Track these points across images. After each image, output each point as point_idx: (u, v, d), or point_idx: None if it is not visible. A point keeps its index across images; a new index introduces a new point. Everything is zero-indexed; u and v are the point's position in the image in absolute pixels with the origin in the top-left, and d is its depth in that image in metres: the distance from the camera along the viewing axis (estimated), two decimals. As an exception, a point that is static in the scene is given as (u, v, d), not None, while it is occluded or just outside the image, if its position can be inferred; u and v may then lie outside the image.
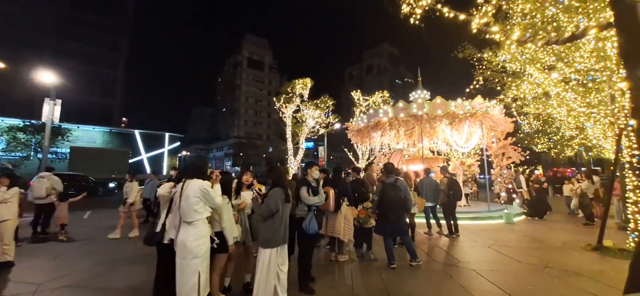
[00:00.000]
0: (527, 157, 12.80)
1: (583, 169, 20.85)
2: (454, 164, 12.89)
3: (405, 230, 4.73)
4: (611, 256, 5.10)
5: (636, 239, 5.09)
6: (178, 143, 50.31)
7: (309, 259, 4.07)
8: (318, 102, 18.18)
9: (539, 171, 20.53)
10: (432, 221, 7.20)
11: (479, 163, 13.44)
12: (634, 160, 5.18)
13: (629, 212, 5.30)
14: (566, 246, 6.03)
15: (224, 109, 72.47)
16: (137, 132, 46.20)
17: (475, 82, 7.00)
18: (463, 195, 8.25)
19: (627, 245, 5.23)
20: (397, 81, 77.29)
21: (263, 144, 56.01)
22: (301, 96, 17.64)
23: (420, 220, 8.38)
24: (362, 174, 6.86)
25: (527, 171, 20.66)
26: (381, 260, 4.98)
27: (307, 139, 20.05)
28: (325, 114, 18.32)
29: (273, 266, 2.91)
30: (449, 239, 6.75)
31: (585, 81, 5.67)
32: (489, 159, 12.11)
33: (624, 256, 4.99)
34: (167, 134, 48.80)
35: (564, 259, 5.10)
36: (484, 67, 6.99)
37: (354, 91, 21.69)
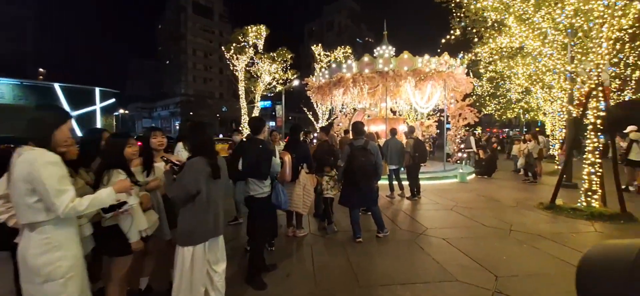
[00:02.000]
0: (480, 118, 13.29)
1: (525, 130, 23.02)
2: (414, 125, 12.82)
3: (375, 199, 4.11)
4: (565, 215, 5.21)
5: (588, 199, 5.23)
6: (113, 100, 43.64)
7: (262, 245, 3.24)
8: (275, 55, 16.36)
9: (478, 132, 22.11)
10: (395, 184, 6.89)
11: (437, 123, 13.61)
12: (598, 122, 5.16)
13: (583, 172, 5.40)
14: (520, 205, 6.14)
15: (168, 62, 64.28)
16: (57, 86, 38.69)
17: (452, 32, 6.39)
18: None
19: (578, 204, 5.39)
20: (358, 39, 75.60)
21: (216, 103, 51.74)
22: (255, 46, 15.62)
23: (381, 182, 8.11)
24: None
25: (479, 132, 22.12)
26: (344, 232, 4.39)
27: (264, 97, 18.42)
28: (282, 69, 16.67)
29: (198, 270, 1.99)
30: (411, 202, 6.49)
31: (564, 37, 5.32)
32: (447, 120, 12.23)
33: (576, 215, 5.11)
34: (97, 90, 41.79)
35: (522, 220, 5.07)
36: (462, 14, 6.34)
37: (315, 46, 20.15)
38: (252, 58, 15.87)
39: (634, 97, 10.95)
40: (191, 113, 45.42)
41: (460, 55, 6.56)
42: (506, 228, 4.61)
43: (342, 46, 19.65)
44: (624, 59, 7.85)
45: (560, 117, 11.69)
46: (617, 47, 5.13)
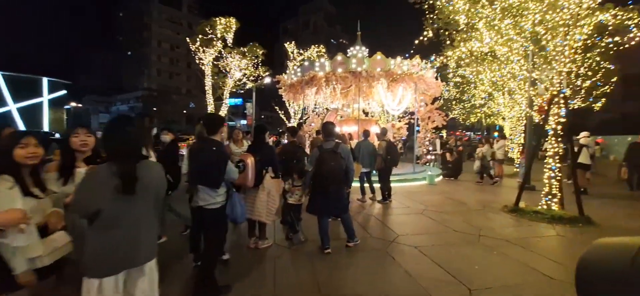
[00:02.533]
0: (447, 122, 13.74)
1: (486, 134, 24.41)
2: (386, 127, 12.88)
3: (345, 206, 3.81)
4: (527, 218, 5.32)
5: (549, 202, 5.39)
6: (64, 92, 39.28)
7: (213, 264, 2.78)
8: (245, 50, 15.60)
9: (443, 135, 23.11)
10: (366, 186, 6.70)
11: (408, 125, 13.82)
12: (559, 128, 5.33)
13: (544, 176, 5.57)
14: (486, 208, 6.24)
15: (130, 54, 59.62)
16: (-1, 75, 34.17)
17: (425, 33, 6.33)
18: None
19: (540, 207, 5.55)
20: (332, 40, 75.90)
21: (182, 99, 48.91)
22: (223, 39, 14.75)
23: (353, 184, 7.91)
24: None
25: (443, 135, 23.05)
26: (312, 242, 4.04)
27: (233, 94, 17.53)
28: (254, 65, 15.93)
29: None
30: (382, 206, 6.33)
31: (530, 46, 5.44)
32: (417, 123, 12.43)
33: (538, 218, 5.24)
34: (45, 79, 37.43)
35: (490, 224, 5.10)
36: (435, 16, 6.31)
37: (288, 43, 19.63)
38: (220, 52, 14.97)
39: (583, 105, 11.93)
40: (155, 109, 42.46)
41: (432, 57, 6.54)
42: (475, 233, 4.57)
43: (317, 45, 19.34)
44: (576, 69, 8.39)
45: (519, 122, 12.43)
46: (576, 57, 5.33)
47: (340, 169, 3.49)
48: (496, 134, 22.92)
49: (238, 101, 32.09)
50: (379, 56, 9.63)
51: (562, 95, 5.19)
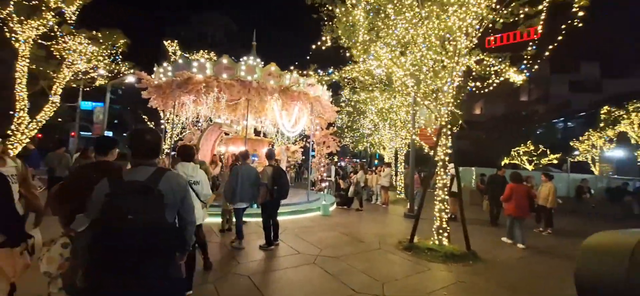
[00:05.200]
0: (338, 149, 13.77)
1: (363, 161, 26.82)
2: (280, 149, 11.59)
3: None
4: (424, 258, 4.79)
5: (440, 236, 5.03)
6: None
7: None
8: (99, 35, 11.44)
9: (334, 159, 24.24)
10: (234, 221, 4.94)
11: (303, 149, 13.01)
12: (447, 158, 5.15)
13: (435, 210, 5.28)
14: (383, 244, 5.54)
15: None
16: None
17: (323, 40, 5.42)
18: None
19: (432, 243, 5.17)
20: (232, 58, 72.09)
21: None
22: (60, 14, 10.31)
23: (214, 220, 6.05)
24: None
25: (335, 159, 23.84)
26: None
27: (70, 92, 12.48)
28: (110, 57, 11.80)
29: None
30: (265, 254, 4.68)
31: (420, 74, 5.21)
32: (312, 147, 11.75)
33: (433, 256, 4.77)
34: None
35: (391, 271, 4.25)
36: (334, 24, 5.51)
37: (170, 42, 16.16)
38: (53, 29, 10.35)
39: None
40: None
41: (330, 70, 5.69)
42: (375, 286, 3.52)
43: (207, 51, 16.66)
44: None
45: (401, 152, 13.60)
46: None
47: (155, 228, 1.65)
48: (376, 162, 25.79)
49: (88, 104, 24.18)
50: (272, 66, 8.35)
51: (449, 126, 5.09)
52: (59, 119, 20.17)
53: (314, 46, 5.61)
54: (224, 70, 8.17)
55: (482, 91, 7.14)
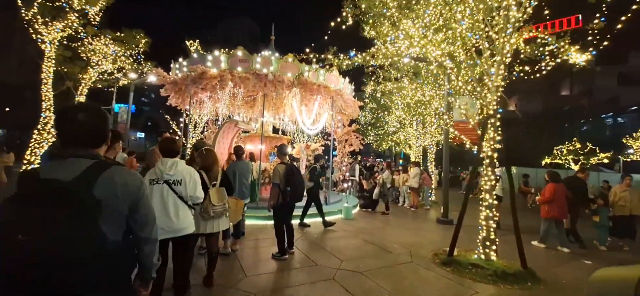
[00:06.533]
0: (361, 147, 12.97)
1: (389, 160, 25.59)
2: (299, 147, 11.04)
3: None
4: (468, 276, 3.93)
5: (487, 250, 4.15)
6: None
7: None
8: (122, 35, 11.58)
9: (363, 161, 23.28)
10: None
11: (324, 148, 12.36)
12: (495, 155, 4.25)
13: (481, 217, 4.38)
14: (415, 257, 4.72)
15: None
16: None
17: (344, 16, 4.69)
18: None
19: (477, 258, 4.29)
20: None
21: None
22: (84, 15, 10.50)
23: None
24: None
25: (362, 160, 22.97)
26: None
27: (96, 91, 12.75)
28: (132, 56, 11.91)
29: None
30: (277, 265, 4.07)
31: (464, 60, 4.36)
32: (334, 146, 11.07)
33: (479, 275, 3.90)
34: None
35: (425, 291, 3.47)
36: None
37: (191, 41, 16.20)
38: (76, 31, 10.57)
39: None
40: None
41: (352, 53, 4.97)
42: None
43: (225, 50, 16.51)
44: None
45: (431, 150, 12.50)
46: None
47: (72, 254, 1.07)
48: (401, 162, 24.42)
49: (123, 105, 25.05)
50: (290, 58, 7.78)
51: (497, 116, 4.18)
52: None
53: (332, 23, 4.88)
54: (239, 63, 7.74)
55: (529, 77, 6.10)
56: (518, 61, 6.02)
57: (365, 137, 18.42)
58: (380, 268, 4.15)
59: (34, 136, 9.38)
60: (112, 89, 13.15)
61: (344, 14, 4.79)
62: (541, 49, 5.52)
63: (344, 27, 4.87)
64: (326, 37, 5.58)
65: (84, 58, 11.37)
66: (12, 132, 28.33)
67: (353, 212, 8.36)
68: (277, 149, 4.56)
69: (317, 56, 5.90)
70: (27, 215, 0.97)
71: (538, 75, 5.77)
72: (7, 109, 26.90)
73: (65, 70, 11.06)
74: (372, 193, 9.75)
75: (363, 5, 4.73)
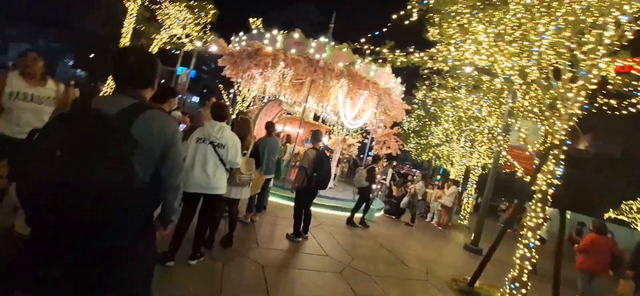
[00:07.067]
0: (399, 153, 12.49)
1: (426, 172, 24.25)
2: (336, 139, 11.05)
3: None
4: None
5: (515, 291, 3.78)
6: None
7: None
8: (195, 3, 12.57)
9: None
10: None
11: (360, 145, 12.20)
12: (550, 191, 3.80)
13: (516, 255, 3.98)
14: (431, 276, 4.50)
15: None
16: None
17: (409, 10, 4.45)
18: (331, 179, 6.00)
19: (500, 295, 3.94)
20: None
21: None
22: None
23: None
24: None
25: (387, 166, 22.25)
26: None
27: (164, 54, 14.08)
28: (199, 24, 12.89)
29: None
30: (289, 245, 4.19)
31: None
32: (371, 144, 10.86)
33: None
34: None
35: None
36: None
37: (255, 19, 16.91)
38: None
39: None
40: (93, 54, 34.76)
41: (410, 49, 4.76)
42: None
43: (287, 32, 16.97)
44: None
45: (475, 172, 11.60)
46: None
47: (108, 182, 1.20)
48: (439, 177, 22.91)
49: (182, 70, 27.29)
50: (344, 47, 7.71)
51: (563, 148, 3.70)
52: (162, 80, 23.61)
53: (394, 16, 4.65)
54: (294, 45, 7.89)
55: (613, 113, 5.27)
56: (603, 91, 5.24)
57: (406, 143, 17.67)
58: (392, 277, 4.05)
59: (107, 83, 10.76)
60: (178, 52, 14.44)
61: (409, 6, 4.53)
62: (634, 83, 4.73)
63: (407, 22, 4.61)
64: (384, 30, 5.37)
65: (159, 20, 12.61)
66: (92, 78, 32.86)
67: (376, 215, 8.18)
68: (311, 134, 4.62)
69: (372, 48, 5.75)
70: (70, 135, 1.11)
71: (624, 112, 5.00)
72: (91, 55, 31.15)
73: (142, 28, 12.41)
74: (400, 201, 9.45)
75: (432, 1, 4.40)
